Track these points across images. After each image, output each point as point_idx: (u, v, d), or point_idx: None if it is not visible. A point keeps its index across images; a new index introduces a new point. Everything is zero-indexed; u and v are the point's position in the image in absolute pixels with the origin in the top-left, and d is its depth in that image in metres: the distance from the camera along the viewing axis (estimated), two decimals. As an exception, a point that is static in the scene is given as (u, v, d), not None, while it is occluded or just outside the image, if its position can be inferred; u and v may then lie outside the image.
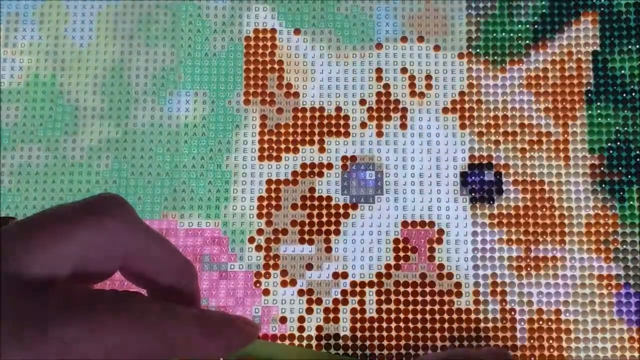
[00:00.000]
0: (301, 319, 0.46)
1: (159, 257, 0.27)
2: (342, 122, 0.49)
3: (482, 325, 0.46)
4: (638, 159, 0.48)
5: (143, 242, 0.27)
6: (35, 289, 0.24)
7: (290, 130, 0.49)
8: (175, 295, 0.28)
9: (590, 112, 0.49)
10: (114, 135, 0.49)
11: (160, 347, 0.24)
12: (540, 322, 0.46)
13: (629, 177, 0.48)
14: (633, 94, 0.49)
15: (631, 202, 0.47)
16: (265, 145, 0.49)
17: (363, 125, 0.49)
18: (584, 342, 0.45)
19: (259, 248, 0.47)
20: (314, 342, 0.46)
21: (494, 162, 0.48)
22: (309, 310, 0.47)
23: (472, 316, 0.46)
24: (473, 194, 0.48)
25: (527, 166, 0.48)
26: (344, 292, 0.47)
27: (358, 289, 0.47)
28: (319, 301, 0.47)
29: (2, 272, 0.23)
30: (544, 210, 0.47)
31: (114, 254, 0.26)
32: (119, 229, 0.26)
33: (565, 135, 0.48)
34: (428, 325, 0.46)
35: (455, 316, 0.46)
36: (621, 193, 0.47)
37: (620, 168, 0.48)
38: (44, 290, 0.24)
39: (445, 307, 0.46)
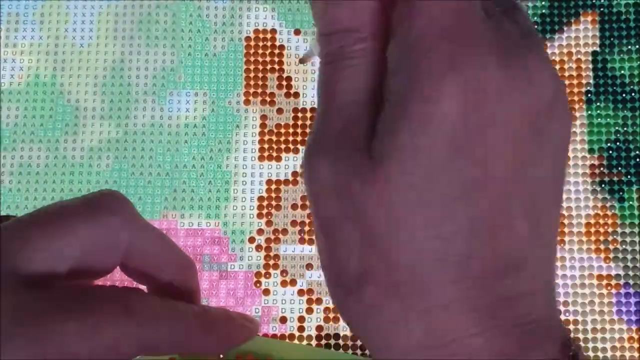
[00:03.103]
0: (301, 319, 0.46)
1: (158, 253, 0.27)
2: (342, 122, 0.49)
3: (482, 325, 0.46)
4: (638, 159, 0.48)
5: (143, 238, 0.27)
6: (35, 285, 0.24)
7: (290, 130, 0.49)
8: (175, 292, 0.28)
9: (590, 112, 0.49)
10: (114, 135, 0.49)
11: (160, 343, 0.24)
12: (541, 322, 0.46)
13: (629, 177, 0.48)
14: (633, 94, 0.49)
15: (631, 202, 0.47)
16: (265, 145, 0.49)
17: (363, 125, 0.49)
18: (584, 342, 0.45)
19: (259, 248, 0.47)
20: (314, 342, 0.46)
21: (493, 162, 0.48)
22: (309, 310, 0.46)
23: (472, 316, 0.46)
24: (473, 194, 0.48)
25: (527, 166, 0.48)
26: (343, 292, 0.47)
27: (358, 288, 0.47)
28: (319, 301, 0.47)
29: (2, 268, 0.23)
30: (544, 210, 0.47)
31: (113, 250, 0.26)
32: (118, 225, 0.26)
33: (565, 135, 0.48)
34: (428, 325, 0.46)
35: (455, 316, 0.46)
36: (621, 193, 0.47)
37: (620, 168, 0.48)
38: (43, 287, 0.24)
39: (445, 307, 0.46)
